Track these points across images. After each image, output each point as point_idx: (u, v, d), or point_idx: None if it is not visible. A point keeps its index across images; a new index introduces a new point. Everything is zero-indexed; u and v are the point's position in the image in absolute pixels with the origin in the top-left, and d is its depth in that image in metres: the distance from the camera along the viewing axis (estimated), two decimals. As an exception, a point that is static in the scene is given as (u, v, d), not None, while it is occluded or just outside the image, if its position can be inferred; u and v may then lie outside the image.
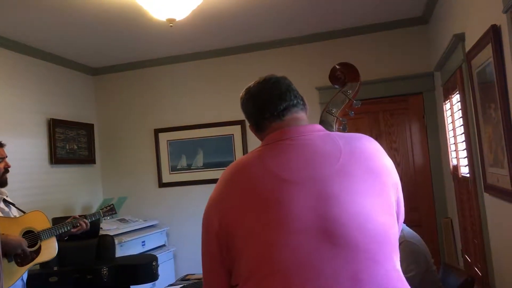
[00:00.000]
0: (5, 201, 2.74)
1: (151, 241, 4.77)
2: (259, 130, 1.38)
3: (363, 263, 1.12)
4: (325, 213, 1.13)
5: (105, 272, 3.78)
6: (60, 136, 4.70)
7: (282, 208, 1.14)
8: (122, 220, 4.70)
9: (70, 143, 4.86)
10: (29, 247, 2.59)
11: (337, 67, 1.86)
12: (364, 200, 1.17)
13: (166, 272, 4.64)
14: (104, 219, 4.37)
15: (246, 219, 1.17)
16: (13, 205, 2.78)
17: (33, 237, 2.64)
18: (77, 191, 4.96)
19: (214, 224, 1.22)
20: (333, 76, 1.89)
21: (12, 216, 2.70)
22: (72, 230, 2.79)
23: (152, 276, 3.98)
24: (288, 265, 1.11)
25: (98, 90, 5.48)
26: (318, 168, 1.19)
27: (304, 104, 1.39)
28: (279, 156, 1.23)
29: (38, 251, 2.64)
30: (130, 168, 5.33)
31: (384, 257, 1.15)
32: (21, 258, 2.56)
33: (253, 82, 1.45)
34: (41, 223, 2.70)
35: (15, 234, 2.56)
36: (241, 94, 1.45)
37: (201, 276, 3.10)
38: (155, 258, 4.07)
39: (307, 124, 1.33)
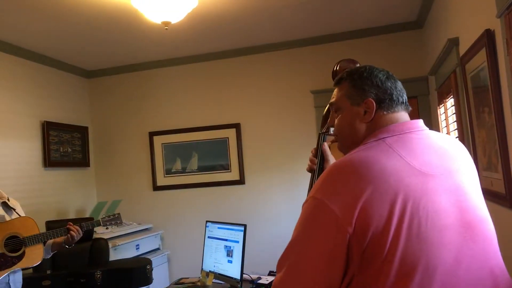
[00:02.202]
0: (5, 204, 2.72)
1: (145, 244, 4.75)
2: (386, 108, 1.25)
3: (495, 257, 1.15)
4: (464, 208, 1.14)
5: (98, 275, 3.76)
6: (54, 138, 4.68)
7: (432, 204, 1.09)
8: (116, 224, 4.68)
9: (64, 146, 4.84)
10: (12, 252, 2.58)
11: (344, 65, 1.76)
12: (481, 196, 1.24)
13: (160, 276, 4.62)
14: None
15: (391, 215, 1.04)
16: (14, 209, 2.75)
17: (17, 243, 2.62)
18: (71, 194, 4.93)
19: (342, 224, 1.05)
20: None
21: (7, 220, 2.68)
22: (68, 240, 2.73)
23: (146, 279, 3.96)
24: (445, 265, 1.06)
25: (93, 92, 5.46)
26: (447, 163, 1.18)
27: None
28: (413, 150, 1.16)
29: (21, 257, 2.61)
30: (124, 171, 5.31)
31: (499, 251, 1.19)
32: (0, 262, 2.55)
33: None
34: (28, 229, 2.66)
35: None
36: (359, 67, 1.34)
37: (195, 280, 3.09)
38: (149, 262, 4.06)
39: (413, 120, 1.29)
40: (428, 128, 1.27)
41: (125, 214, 5.00)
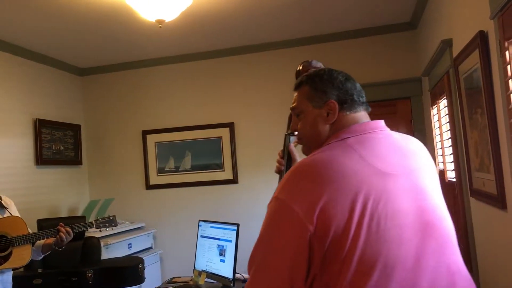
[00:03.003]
0: None
1: (138, 243, 4.73)
2: (347, 108, 1.27)
3: (452, 254, 1.18)
4: (423, 206, 1.16)
5: (90, 274, 3.74)
6: (46, 136, 4.65)
7: (392, 203, 1.11)
8: (108, 222, 4.65)
9: (56, 144, 4.81)
10: None
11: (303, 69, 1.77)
12: (440, 195, 1.26)
13: (153, 275, 4.60)
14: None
15: (351, 215, 1.07)
16: (7, 208, 2.71)
17: (4, 242, 2.58)
18: (63, 193, 4.91)
19: (304, 224, 1.07)
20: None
21: None
22: (57, 241, 2.66)
23: (138, 278, 3.95)
24: (405, 262, 1.08)
25: (86, 90, 5.43)
26: (406, 162, 1.21)
27: None
28: (373, 149, 1.19)
29: (7, 257, 2.56)
30: (117, 170, 5.29)
31: (458, 248, 1.22)
32: None
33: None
34: (17, 229, 2.62)
35: None
36: (321, 70, 1.35)
37: (187, 279, 3.08)
38: (141, 261, 4.04)
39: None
40: (389, 129, 1.31)
41: (117, 213, 4.96)
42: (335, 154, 1.16)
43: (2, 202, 2.70)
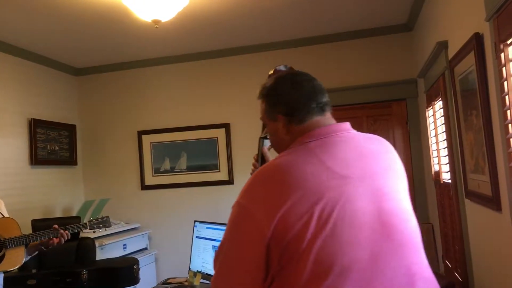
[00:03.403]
0: None
1: (133, 244, 4.72)
2: (295, 121, 1.29)
3: (413, 256, 1.19)
4: (383, 208, 1.17)
5: (85, 275, 3.72)
6: (41, 136, 4.63)
7: (349, 205, 1.13)
8: (103, 223, 4.64)
9: (51, 144, 4.79)
10: None
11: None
12: (405, 197, 1.26)
13: (147, 276, 4.59)
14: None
15: (309, 219, 1.09)
16: None
17: None
18: (58, 193, 4.89)
19: (263, 230, 1.11)
20: None
21: None
22: (49, 241, 2.62)
23: (133, 279, 3.93)
24: (361, 263, 1.10)
25: (81, 90, 5.41)
26: (368, 165, 1.22)
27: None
28: (333, 153, 1.20)
29: (0, 259, 2.53)
30: (112, 170, 5.27)
31: (422, 250, 1.23)
32: None
33: (284, 72, 1.40)
34: (10, 231, 2.58)
35: None
36: (269, 82, 1.38)
37: (182, 279, 3.07)
38: (136, 262, 4.03)
39: (339, 122, 1.33)
40: (354, 131, 1.32)
41: (112, 213, 4.97)
42: (295, 159, 1.19)
43: None
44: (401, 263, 1.15)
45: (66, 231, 2.67)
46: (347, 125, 1.31)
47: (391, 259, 1.14)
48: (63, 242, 2.65)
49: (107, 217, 3.01)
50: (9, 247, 2.56)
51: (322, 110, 1.31)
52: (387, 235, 1.15)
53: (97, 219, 2.97)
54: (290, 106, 1.30)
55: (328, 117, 1.32)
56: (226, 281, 1.18)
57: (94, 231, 4.08)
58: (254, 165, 1.77)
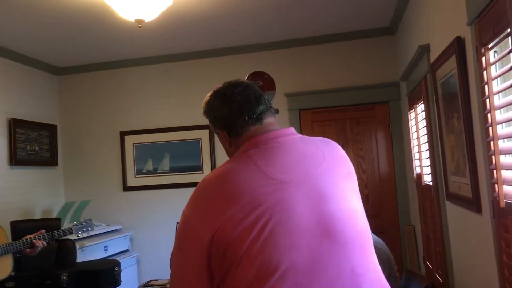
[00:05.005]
0: None
1: (114, 246, 4.67)
2: (233, 134, 1.35)
3: (358, 257, 1.18)
4: (323, 211, 1.18)
5: (65, 277, 3.67)
6: (21, 136, 4.55)
7: (286, 210, 1.14)
8: (84, 224, 4.58)
9: (31, 144, 4.71)
10: None
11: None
12: (350, 198, 1.26)
13: (129, 278, 4.55)
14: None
15: (247, 226, 1.12)
16: None
17: None
18: (37, 194, 4.81)
19: (203, 240, 1.15)
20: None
21: None
22: (26, 250, 2.57)
23: (114, 281, 3.89)
24: (299, 266, 1.11)
25: (63, 90, 5.34)
26: (309, 168, 1.23)
27: (272, 108, 1.40)
28: (271, 159, 1.23)
29: None
30: (94, 171, 5.21)
31: (370, 251, 1.24)
32: None
33: (220, 86, 1.42)
34: None
35: None
36: (206, 98, 1.43)
37: (164, 282, 3.05)
38: (117, 264, 3.98)
39: (281, 127, 1.34)
40: (298, 134, 1.34)
41: (94, 215, 4.92)
42: (234, 167, 1.23)
43: None
44: (345, 265, 1.15)
45: (42, 241, 2.59)
46: (289, 130, 1.33)
47: (333, 262, 1.14)
48: (37, 252, 2.57)
49: (90, 220, 2.99)
50: None
51: (258, 119, 1.34)
52: (327, 237, 1.15)
53: (81, 223, 2.93)
54: (224, 122, 1.36)
55: (267, 124, 1.34)
56: (178, 286, 1.25)
57: (78, 236, 4.03)
58: None
